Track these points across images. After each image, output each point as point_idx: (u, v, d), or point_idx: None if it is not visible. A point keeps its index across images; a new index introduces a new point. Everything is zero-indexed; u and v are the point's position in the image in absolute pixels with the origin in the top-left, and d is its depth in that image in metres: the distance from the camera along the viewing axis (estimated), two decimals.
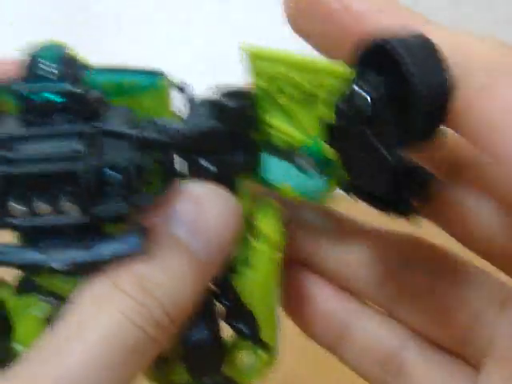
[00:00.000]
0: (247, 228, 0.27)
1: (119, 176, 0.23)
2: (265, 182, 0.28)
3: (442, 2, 0.91)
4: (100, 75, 0.25)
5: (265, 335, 0.28)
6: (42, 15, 0.97)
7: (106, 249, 0.23)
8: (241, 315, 0.28)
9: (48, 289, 0.27)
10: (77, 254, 0.23)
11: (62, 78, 0.23)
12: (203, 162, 0.26)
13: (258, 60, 0.27)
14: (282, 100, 0.26)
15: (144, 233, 0.23)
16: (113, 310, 0.23)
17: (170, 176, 0.24)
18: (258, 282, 0.27)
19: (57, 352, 0.22)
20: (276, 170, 0.28)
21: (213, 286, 0.28)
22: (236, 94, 0.26)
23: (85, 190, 0.22)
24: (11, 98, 0.24)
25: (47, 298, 0.27)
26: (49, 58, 0.23)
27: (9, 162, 0.22)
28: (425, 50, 0.21)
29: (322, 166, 0.26)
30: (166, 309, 0.23)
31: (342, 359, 0.32)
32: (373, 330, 0.31)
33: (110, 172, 0.23)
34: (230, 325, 0.29)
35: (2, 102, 0.25)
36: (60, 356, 0.22)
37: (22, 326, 0.28)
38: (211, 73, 1.03)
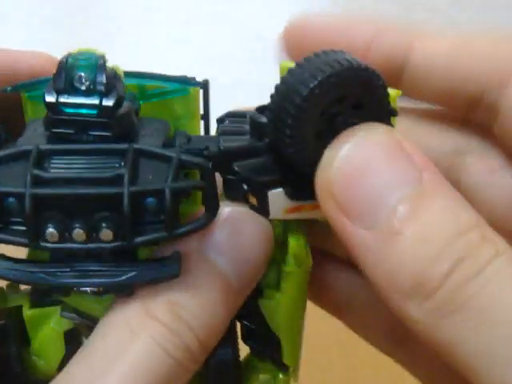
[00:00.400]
0: (277, 251, 0.27)
1: (159, 202, 0.22)
2: None
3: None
4: (131, 79, 0.24)
5: (287, 358, 0.27)
6: (42, 15, 0.97)
7: (142, 274, 0.22)
8: (264, 338, 0.27)
9: (73, 305, 0.26)
10: (108, 280, 0.22)
11: (96, 91, 0.22)
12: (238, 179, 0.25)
13: None
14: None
15: (179, 258, 0.23)
16: (146, 337, 0.22)
17: (209, 199, 0.23)
18: (287, 306, 0.27)
19: (88, 381, 0.22)
20: None
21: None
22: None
23: (126, 217, 0.21)
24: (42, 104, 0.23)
25: (71, 315, 0.26)
26: (84, 67, 0.22)
27: (45, 182, 0.21)
28: None
29: None
30: (198, 336, 0.23)
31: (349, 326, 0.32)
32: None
33: (150, 199, 0.22)
34: (250, 346, 0.28)
35: (32, 106, 0.24)
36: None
37: (38, 337, 0.27)
38: (211, 73, 1.03)
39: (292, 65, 0.22)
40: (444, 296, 0.20)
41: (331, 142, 0.22)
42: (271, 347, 0.27)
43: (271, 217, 0.24)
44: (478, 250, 0.20)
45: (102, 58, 0.22)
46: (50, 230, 0.21)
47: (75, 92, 0.22)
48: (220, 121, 0.27)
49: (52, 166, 0.22)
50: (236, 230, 0.24)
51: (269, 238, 0.25)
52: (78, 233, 0.21)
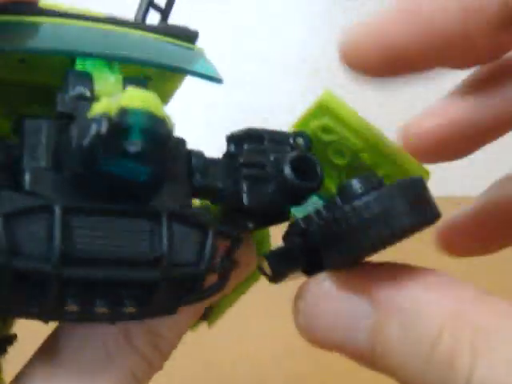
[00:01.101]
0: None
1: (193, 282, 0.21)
2: None
3: None
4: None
5: None
6: None
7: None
8: None
9: None
10: None
11: (144, 158, 0.19)
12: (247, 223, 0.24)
13: (333, 115, 0.25)
14: (337, 160, 0.26)
15: None
16: (122, 364, 0.22)
17: (227, 270, 0.23)
18: None
19: None
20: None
21: None
22: (302, 164, 0.24)
23: (157, 298, 0.20)
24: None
25: None
26: (137, 129, 0.19)
27: (71, 258, 0.19)
28: None
29: None
30: (166, 358, 0.24)
31: None
32: None
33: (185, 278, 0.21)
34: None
35: None
36: None
37: None
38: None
39: (335, 99, 0.25)
40: None
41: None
42: None
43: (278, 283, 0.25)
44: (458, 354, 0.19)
45: (158, 117, 0.19)
46: (71, 306, 0.20)
47: (125, 156, 0.20)
48: (236, 143, 0.25)
49: (77, 229, 0.19)
50: None
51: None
52: (100, 310, 0.20)
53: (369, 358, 0.21)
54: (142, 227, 0.20)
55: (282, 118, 1.01)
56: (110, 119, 0.18)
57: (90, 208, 0.20)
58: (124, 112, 0.18)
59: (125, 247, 0.20)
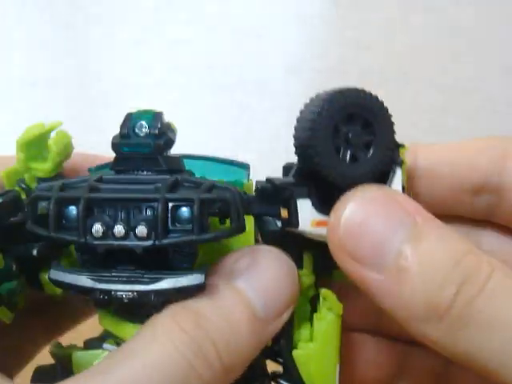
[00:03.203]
0: (308, 308, 0.29)
1: (189, 209, 0.25)
2: None
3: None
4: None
5: None
6: (41, 15, 0.97)
7: (168, 281, 0.25)
8: None
9: (118, 336, 0.28)
10: (141, 287, 0.25)
11: (151, 135, 0.27)
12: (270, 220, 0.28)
13: None
14: None
15: (206, 270, 0.25)
16: (165, 340, 0.23)
17: (233, 212, 0.25)
18: (320, 354, 0.28)
19: (101, 372, 0.23)
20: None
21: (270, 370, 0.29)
22: None
23: (159, 217, 0.25)
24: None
25: (113, 347, 0.28)
26: (145, 118, 0.27)
27: (98, 189, 0.26)
28: None
29: None
30: (218, 350, 0.24)
31: None
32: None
33: (184, 209, 0.25)
34: None
35: None
36: (102, 376, 0.23)
37: None
38: (211, 74, 1.03)
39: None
40: (455, 315, 0.24)
41: (334, 204, 0.26)
42: None
43: (300, 228, 0.26)
44: (477, 270, 0.24)
45: (160, 113, 0.28)
46: (97, 226, 0.25)
47: (135, 137, 0.27)
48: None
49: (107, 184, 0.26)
50: (263, 263, 0.26)
51: (293, 273, 0.27)
52: (118, 229, 0.25)
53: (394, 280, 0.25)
54: (156, 184, 0.26)
55: (279, 118, 1.00)
56: None
57: (119, 177, 0.27)
58: None
59: (138, 188, 0.26)
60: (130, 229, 0.25)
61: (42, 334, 0.34)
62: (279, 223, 0.28)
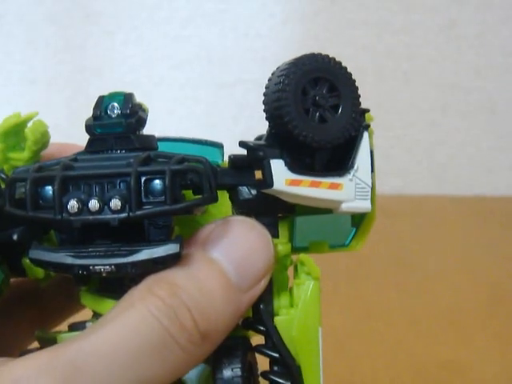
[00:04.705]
0: (286, 277, 0.29)
1: (161, 181, 0.26)
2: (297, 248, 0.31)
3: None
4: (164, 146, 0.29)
5: None
6: (41, 12, 0.97)
7: (145, 252, 0.25)
8: (284, 369, 0.28)
9: (101, 314, 0.28)
10: (118, 260, 0.25)
11: (122, 115, 0.28)
12: (243, 190, 0.29)
13: None
14: None
15: (180, 240, 0.25)
16: (141, 308, 0.24)
17: (204, 181, 0.26)
18: (302, 318, 0.28)
19: (77, 340, 0.24)
20: (310, 229, 0.31)
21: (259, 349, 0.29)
22: None
23: (132, 189, 0.25)
24: None
25: None
26: (116, 100, 0.28)
27: (72, 168, 0.26)
28: None
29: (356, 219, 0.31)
30: (194, 318, 0.24)
31: None
32: None
33: (157, 181, 0.26)
34: (270, 379, 0.29)
35: None
36: (79, 341, 0.23)
37: None
38: (210, 70, 1.03)
39: None
40: None
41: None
42: (291, 378, 0.28)
43: (274, 187, 0.27)
44: None
45: (130, 94, 0.28)
46: (72, 202, 0.25)
47: (108, 118, 0.28)
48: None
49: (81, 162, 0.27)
50: (236, 233, 0.27)
51: (267, 241, 0.27)
52: (93, 203, 0.25)
53: None
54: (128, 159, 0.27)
55: None
56: None
57: (92, 156, 0.27)
58: None
59: (111, 163, 0.27)
60: (105, 203, 0.25)
61: (27, 327, 0.34)
62: (253, 191, 0.28)
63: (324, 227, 0.31)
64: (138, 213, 0.25)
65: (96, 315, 0.28)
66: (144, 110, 0.28)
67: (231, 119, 0.94)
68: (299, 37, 0.95)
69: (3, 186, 0.28)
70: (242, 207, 0.28)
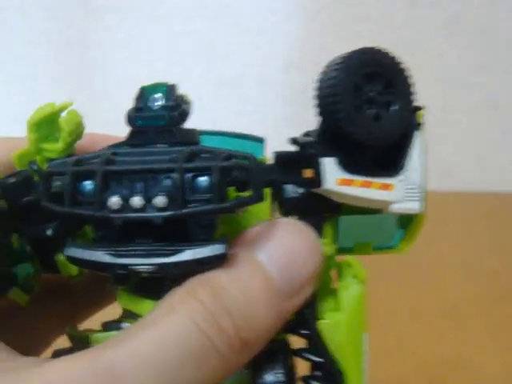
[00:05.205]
0: (330, 280, 0.28)
1: (208, 178, 0.25)
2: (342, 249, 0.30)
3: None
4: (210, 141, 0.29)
5: None
6: (42, 7, 0.97)
7: (188, 252, 0.24)
8: (326, 374, 0.27)
9: (139, 314, 0.27)
10: (161, 260, 0.24)
11: (165, 107, 0.26)
12: (289, 188, 0.28)
13: None
14: None
15: (226, 239, 0.25)
16: (181, 311, 0.23)
17: (252, 179, 0.25)
18: (346, 323, 0.27)
19: (114, 344, 0.23)
20: (353, 230, 0.30)
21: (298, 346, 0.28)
22: None
23: (179, 186, 0.24)
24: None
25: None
26: (158, 91, 0.27)
27: (114, 162, 0.25)
28: None
29: (403, 221, 0.30)
30: (235, 323, 0.24)
31: None
32: None
33: (202, 178, 0.25)
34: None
35: None
36: (117, 346, 0.23)
37: None
38: (212, 66, 1.03)
39: None
40: None
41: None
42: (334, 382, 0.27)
43: (325, 186, 0.26)
44: None
45: (173, 85, 0.27)
46: (114, 198, 0.24)
47: (150, 110, 0.27)
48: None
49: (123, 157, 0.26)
50: (284, 236, 0.26)
51: (315, 246, 0.26)
52: (136, 201, 0.24)
53: None
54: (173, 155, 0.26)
55: (280, 111, 1.00)
56: None
57: (133, 150, 0.26)
58: None
59: (155, 159, 0.26)
60: (148, 200, 0.24)
61: (56, 321, 0.34)
62: (300, 190, 0.27)
63: (368, 228, 0.30)
64: (185, 211, 0.24)
65: (131, 315, 0.27)
66: (187, 103, 0.27)
67: (234, 114, 0.94)
68: (302, 32, 0.94)
69: (36, 179, 0.27)
70: (287, 206, 0.27)
